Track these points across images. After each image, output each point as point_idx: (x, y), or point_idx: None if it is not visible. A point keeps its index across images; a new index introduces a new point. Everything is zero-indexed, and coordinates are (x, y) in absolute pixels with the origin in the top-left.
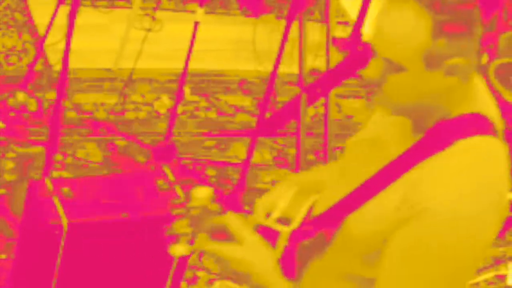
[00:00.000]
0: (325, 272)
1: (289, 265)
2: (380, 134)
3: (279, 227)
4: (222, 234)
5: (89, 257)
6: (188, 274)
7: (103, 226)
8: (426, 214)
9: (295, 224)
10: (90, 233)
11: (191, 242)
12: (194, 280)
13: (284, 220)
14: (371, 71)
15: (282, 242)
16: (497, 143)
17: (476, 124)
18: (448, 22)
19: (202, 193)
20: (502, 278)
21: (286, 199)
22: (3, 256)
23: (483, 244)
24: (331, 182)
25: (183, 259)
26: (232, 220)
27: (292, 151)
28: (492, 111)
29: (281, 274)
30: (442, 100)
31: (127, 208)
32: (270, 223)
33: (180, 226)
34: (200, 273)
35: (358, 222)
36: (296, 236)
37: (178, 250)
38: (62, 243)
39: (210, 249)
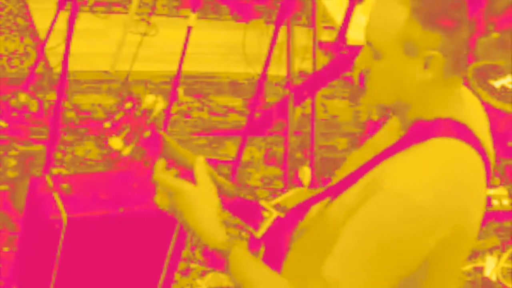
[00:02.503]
0: (305, 259)
1: (270, 247)
2: (378, 137)
3: (271, 209)
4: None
5: (87, 250)
6: (182, 266)
7: (101, 220)
8: (381, 192)
9: (282, 213)
10: (89, 227)
11: (127, 141)
12: (187, 272)
13: (281, 208)
14: (359, 58)
15: (266, 225)
16: (469, 150)
17: (451, 128)
18: (425, 10)
19: (150, 99)
20: (479, 269)
21: (292, 192)
22: (6, 249)
23: (426, 233)
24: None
25: (178, 246)
26: (199, 162)
27: (281, 149)
28: (475, 123)
29: (221, 225)
30: (422, 98)
31: (124, 203)
32: (265, 203)
33: (123, 122)
34: (193, 265)
35: (335, 207)
36: (282, 221)
37: (114, 142)
38: (62, 236)
39: (162, 177)
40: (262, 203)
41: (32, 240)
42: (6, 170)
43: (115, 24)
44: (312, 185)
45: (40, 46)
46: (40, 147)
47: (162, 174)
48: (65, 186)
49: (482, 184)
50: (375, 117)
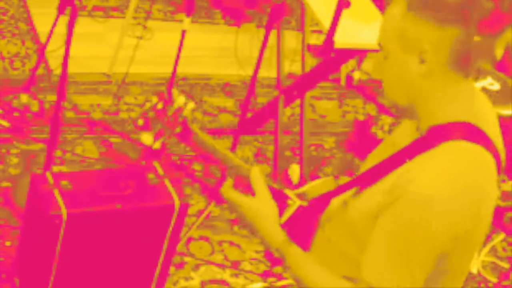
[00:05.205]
0: (328, 247)
1: (293, 233)
2: (396, 136)
3: (294, 198)
4: (242, 182)
5: (86, 244)
6: (176, 259)
7: (99, 215)
8: (406, 195)
9: (305, 202)
10: (87, 222)
11: (157, 136)
12: (181, 265)
13: (304, 197)
14: (374, 61)
15: (289, 212)
16: (482, 151)
17: (463, 132)
18: (418, 5)
19: (181, 100)
20: None
21: (316, 182)
22: (8, 243)
23: (451, 230)
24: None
25: (173, 240)
26: (254, 173)
27: (271, 148)
28: (485, 121)
29: (280, 228)
30: (429, 97)
31: (121, 199)
32: (289, 192)
33: (155, 120)
34: (187, 259)
35: (356, 203)
36: (304, 210)
37: (146, 138)
38: (62, 231)
39: (230, 196)
40: (287, 191)
41: (33, 234)
42: (9, 168)
43: (113, 28)
44: (301, 182)
45: (41, 49)
46: (41, 146)
47: (231, 192)
48: (65, 183)
49: (494, 183)
50: (361, 117)
